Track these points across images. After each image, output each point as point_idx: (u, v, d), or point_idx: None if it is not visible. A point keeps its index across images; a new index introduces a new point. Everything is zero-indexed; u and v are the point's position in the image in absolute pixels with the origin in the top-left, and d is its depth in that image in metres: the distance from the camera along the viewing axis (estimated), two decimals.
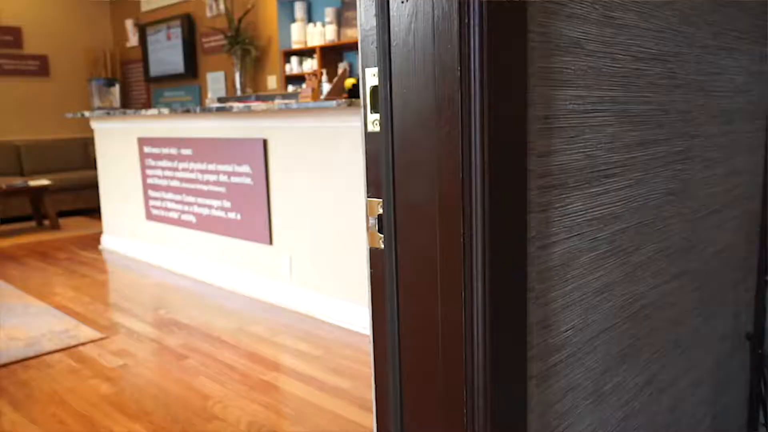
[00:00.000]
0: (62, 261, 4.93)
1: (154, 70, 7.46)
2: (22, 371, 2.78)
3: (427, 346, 0.71)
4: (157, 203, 4.56)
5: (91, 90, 6.71)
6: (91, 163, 7.56)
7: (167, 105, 7.44)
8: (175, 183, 4.33)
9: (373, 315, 0.78)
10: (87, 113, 4.96)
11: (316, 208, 3.35)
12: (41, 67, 7.46)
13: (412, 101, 0.69)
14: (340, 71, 3.02)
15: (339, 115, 3.08)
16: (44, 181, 6.19)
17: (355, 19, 5.15)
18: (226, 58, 6.46)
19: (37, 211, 6.42)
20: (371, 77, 0.74)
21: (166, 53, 7.24)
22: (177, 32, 7.02)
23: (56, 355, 2.95)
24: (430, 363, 0.71)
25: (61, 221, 6.59)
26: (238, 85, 6.21)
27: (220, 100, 4.44)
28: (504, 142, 0.68)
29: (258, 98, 4.12)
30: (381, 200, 0.74)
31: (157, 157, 4.46)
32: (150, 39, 7.41)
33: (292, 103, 3.17)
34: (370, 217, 0.77)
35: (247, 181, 3.72)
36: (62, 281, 4.31)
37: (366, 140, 0.75)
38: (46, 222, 6.46)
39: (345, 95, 3.10)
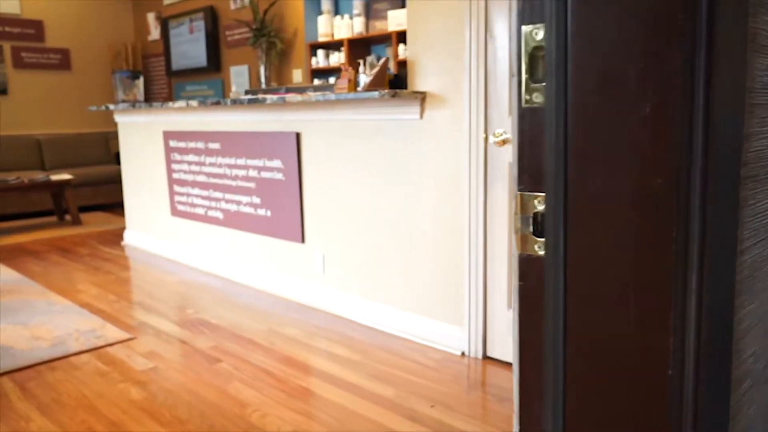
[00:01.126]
0: (84, 257, 4.82)
1: (176, 63, 7.34)
2: (49, 373, 2.65)
3: (610, 382, 0.55)
4: (183, 199, 4.42)
5: (115, 83, 6.61)
6: (111, 158, 7.47)
7: (190, 99, 7.32)
8: (201, 178, 4.20)
9: (521, 339, 0.62)
10: (111, 106, 4.84)
11: (352, 204, 3.19)
12: (63, 60, 7.37)
13: (598, 64, 0.53)
14: (381, 61, 2.86)
15: (379, 107, 2.92)
16: (66, 176, 6.09)
17: (385, 11, 4.94)
18: (250, 51, 6.32)
19: (58, 206, 6.32)
20: (531, 37, 0.58)
21: (189, 47, 7.11)
22: (200, 25, 6.89)
23: (83, 356, 2.82)
24: (615, 403, 0.55)
25: (82, 216, 6.50)
26: (262, 79, 6.07)
27: (248, 93, 4.29)
28: (724, 119, 0.52)
29: (288, 91, 3.97)
30: (542, 195, 0.58)
31: (183, 151, 4.33)
32: (172, 32, 7.29)
33: (329, 94, 3.01)
34: (520, 216, 0.61)
35: (279, 176, 3.57)
36: (85, 278, 4.19)
37: (521, 117, 0.59)
38: (68, 217, 6.37)
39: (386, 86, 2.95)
